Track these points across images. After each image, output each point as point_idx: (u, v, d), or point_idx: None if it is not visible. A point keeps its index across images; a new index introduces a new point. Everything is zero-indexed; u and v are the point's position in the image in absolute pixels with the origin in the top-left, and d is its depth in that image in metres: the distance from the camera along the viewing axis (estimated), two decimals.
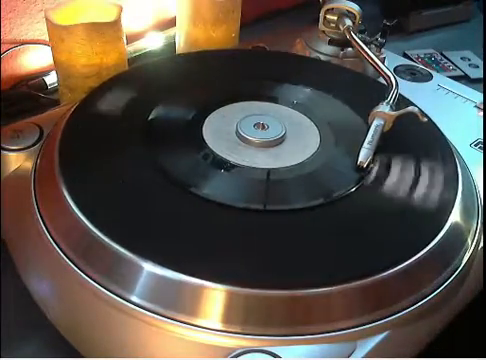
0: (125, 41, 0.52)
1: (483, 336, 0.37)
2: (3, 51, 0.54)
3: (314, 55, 0.58)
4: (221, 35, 0.58)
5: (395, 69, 0.60)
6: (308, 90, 0.50)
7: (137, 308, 0.31)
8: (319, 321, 0.31)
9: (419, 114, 0.42)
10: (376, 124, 0.43)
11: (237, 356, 0.30)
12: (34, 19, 0.55)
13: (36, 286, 0.36)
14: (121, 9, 0.49)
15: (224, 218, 0.36)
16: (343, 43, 0.57)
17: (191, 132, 0.43)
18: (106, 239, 0.33)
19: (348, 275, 0.32)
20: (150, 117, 0.44)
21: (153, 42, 0.64)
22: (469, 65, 0.71)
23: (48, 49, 0.51)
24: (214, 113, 0.46)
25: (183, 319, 0.31)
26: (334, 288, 0.31)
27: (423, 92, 0.56)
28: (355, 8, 0.56)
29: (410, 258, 0.34)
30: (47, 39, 0.50)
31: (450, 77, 0.61)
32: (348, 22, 0.55)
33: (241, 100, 0.47)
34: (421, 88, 0.57)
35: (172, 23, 0.62)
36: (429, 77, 0.59)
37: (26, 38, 0.56)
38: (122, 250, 0.32)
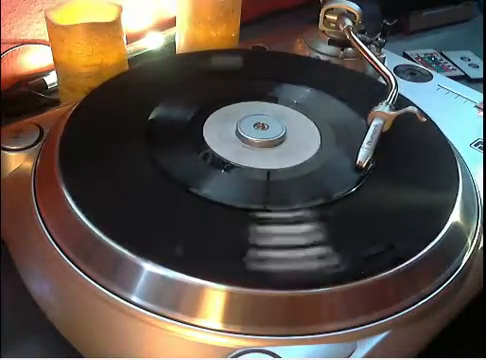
0: (125, 41, 0.52)
1: (483, 336, 0.37)
2: (3, 51, 0.54)
3: (314, 55, 0.58)
4: (221, 35, 0.58)
5: (395, 69, 0.60)
6: (308, 90, 0.50)
7: (137, 308, 0.31)
8: (319, 321, 0.31)
9: (418, 114, 0.42)
10: (375, 124, 0.43)
11: (237, 356, 0.30)
12: (34, 19, 0.55)
13: (36, 286, 0.36)
14: (121, 9, 0.49)
15: (224, 218, 0.36)
16: (343, 43, 0.57)
17: (191, 132, 0.43)
18: (106, 239, 0.33)
19: (348, 275, 0.32)
20: (150, 117, 0.44)
21: (153, 42, 0.64)
22: (469, 65, 0.71)
23: (48, 49, 0.51)
24: (214, 113, 0.45)
25: (183, 319, 0.31)
26: (334, 288, 0.31)
27: (423, 92, 0.56)
28: (355, 8, 0.56)
29: (410, 258, 0.34)
30: (47, 39, 0.50)
31: (450, 77, 0.61)
32: (348, 22, 0.55)
33: (241, 100, 0.47)
34: (421, 88, 0.57)
35: (172, 23, 0.62)
36: (429, 77, 0.59)
37: (26, 38, 0.56)
38: (122, 250, 0.32)
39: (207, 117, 0.45)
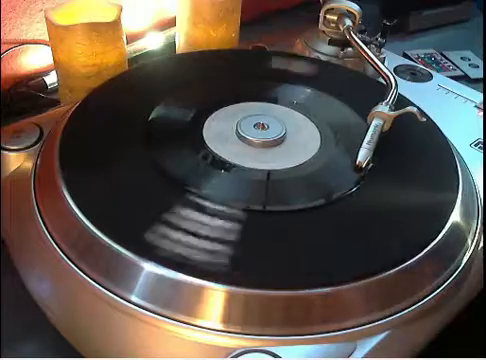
0: (125, 41, 0.52)
1: (483, 336, 0.37)
2: (3, 51, 0.54)
3: (314, 55, 0.58)
4: (221, 35, 0.58)
5: (395, 69, 0.60)
6: (308, 90, 0.50)
7: (137, 308, 0.31)
8: (319, 321, 0.31)
9: (418, 114, 0.42)
10: (375, 124, 0.43)
11: (237, 356, 0.30)
12: (34, 19, 0.55)
13: (36, 286, 0.36)
14: (121, 9, 0.49)
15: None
16: (343, 43, 0.57)
17: (191, 132, 0.43)
18: (106, 239, 0.33)
19: (348, 275, 0.32)
20: (150, 117, 0.44)
21: (153, 42, 0.64)
22: (469, 65, 0.71)
23: (48, 49, 0.51)
24: (214, 113, 0.45)
25: (183, 319, 0.31)
26: (334, 288, 0.31)
27: (423, 92, 0.56)
28: (355, 8, 0.56)
29: (410, 258, 0.34)
30: (47, 39, 0.50)
31: (450, 77, 0.61)
32: (348, 22, 0.55)
33: (241, 100, 0.47)
34: (421, 88, 0.57)
35: (172, 23, 0.62)
36: (429, 77, 0.59)
37: (26, 38, 0.56)
38: (122, 250, 0.32)
39: (207, 117, 0.45)
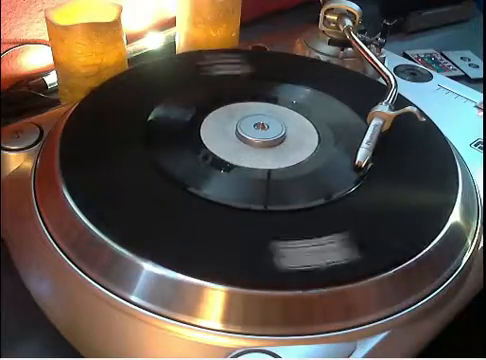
0: (125, 41, 0.52)
1: (483, 336, 0.37)
2: (3, 51, 0.54)
3: (314, 55, 0.58)
4: (221, 35, 0.58)
5: (395, 69, 0.60)
6: (308, 90, 0.50)
7: (137, 308, 0.31)
8: (319, 321, 0.31)
9: (417, 114, 0.42)
10: (375, 124, 0.43)
11: (237, 356, 0.30)
12: (34, 19, 0.55)
13: (36, 286, 0.36)
14: (121, 9, 0.49)
15: (224, 218, 0.36)
16: (343, 43, 0.57)
17: (191, 132, 0.43)
18: (106, 239, 0.33)
19: (348, 275, 0.32)
20: (150, 117, 0.44)
21: (153, 42, 0.64)
22: (469, 65, 0.71)
23: (48, 49, 0.51)
24: (214, 113, 0.46)
25: (183, 319, 0.31)
26: (334, 288, 0.31)
27: (423, 92, 0.56)
28: (355, 8, 0.56)
29: (410, 258, 0.34)
30: (47, 39, 0.50)
31: (450, 77, 0.61)
32: (348, 22, 0.55)
33: (241, 100, 0.47)
34: (421, 88, 0.57)
35: (172, 23, 0.62)
36: (429, 77, 0.59)
37: (26, 38, 0.56)
38: (122, 250, 0.32)
39: (207, 117, 0.45)
